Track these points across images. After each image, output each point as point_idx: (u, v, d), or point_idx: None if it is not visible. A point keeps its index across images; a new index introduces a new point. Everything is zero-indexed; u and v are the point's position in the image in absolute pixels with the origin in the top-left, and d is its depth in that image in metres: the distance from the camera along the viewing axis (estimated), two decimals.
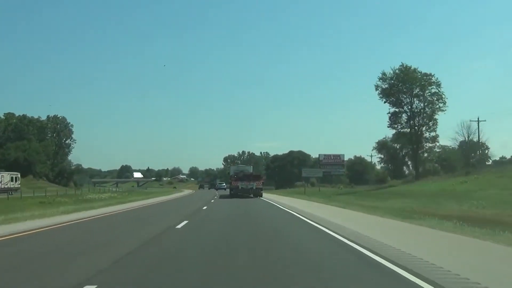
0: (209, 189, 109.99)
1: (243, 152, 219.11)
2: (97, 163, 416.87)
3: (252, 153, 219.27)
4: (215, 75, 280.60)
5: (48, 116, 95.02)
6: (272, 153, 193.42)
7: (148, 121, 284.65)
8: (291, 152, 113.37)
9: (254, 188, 41.48)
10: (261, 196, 41.81)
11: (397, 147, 79.53)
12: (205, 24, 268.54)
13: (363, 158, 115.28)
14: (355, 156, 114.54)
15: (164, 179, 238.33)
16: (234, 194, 41.81)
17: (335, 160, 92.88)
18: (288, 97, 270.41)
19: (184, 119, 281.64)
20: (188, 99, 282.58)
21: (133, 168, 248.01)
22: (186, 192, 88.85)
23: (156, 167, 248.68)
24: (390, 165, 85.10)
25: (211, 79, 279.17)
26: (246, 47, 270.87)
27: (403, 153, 79.64)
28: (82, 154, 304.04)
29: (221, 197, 44.64)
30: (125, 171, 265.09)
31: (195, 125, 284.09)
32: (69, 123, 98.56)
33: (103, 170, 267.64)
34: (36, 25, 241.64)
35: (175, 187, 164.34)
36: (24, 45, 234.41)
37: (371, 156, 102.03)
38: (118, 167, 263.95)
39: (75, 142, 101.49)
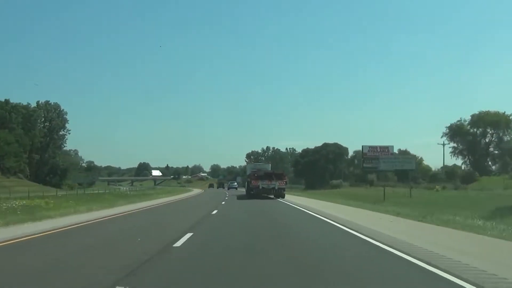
0: (217, 188, 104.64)
1: (267, 148, 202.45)
2: (116, 161, 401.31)
3: (277, 149, 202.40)
4: (237, 71, 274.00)
5: (38, 103, 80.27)
6: (299, 150, 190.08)
7: (168, 118, 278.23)
8: (325, 145, 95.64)
9: (276, 188, 37.36)
10: (283, 197, 37.37)
11: (477, 132, 61.18)
12: (227, 18, 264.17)
13: (408, 152, 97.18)
14: (399, 150, 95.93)
15: (184, 177, 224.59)
16: (254, 194, 37.33)
17: (382, 153, 74.74)
18: (313, 94, 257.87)
19: (206, 116, 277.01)
20: (209, 95, 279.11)
21: (152, 166, 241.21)
22: (194, 192, 76.10)
23: (177, 164, 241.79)
24: (468, 156, 66.65)
25: (233, 76, 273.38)
26: (267, 43, 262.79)
27: (487, 141, 61.22)
28: (100, 152, 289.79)
29: (234, 198, 38.98)
30: (143, 169, 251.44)
31: (217, 122, 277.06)
32: (63, 110, 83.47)
33: (122, 168, 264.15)
34: (39, 29, 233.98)
35: (183, 186, 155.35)
36: (29, 49, 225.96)
37: (443, 144, 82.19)
38: (136, 165, 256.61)
39: (69, 133, 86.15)
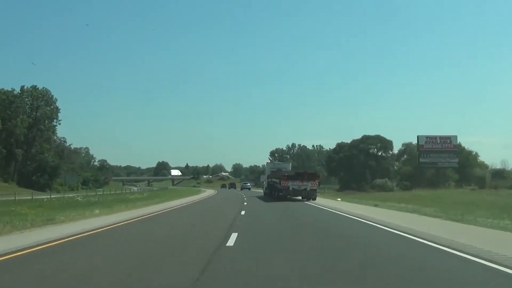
0: (228, 188, 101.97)
1: (293, 145, 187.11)
2: (136, 161, 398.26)
3: (303, 146, 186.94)
4: (259, 69, 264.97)
5: (22, 87, 66.53)
6: (327, 148, 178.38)
7: (189, 117, 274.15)
8: (365, 138, 79.93)
9: (308, 189, 33.11)
10: (314, 199, 33.13)
11: None
12: (241, 12, 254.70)
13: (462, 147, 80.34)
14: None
15: (204, 176, 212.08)
16: (282, 196, 33.61)
17: (443, 145, 58.87)
18: (339, 90, 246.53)
19: (227, 114, 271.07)
20: (230, 93, 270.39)
21: (172, 165, 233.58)
22: (207, 193, 65.17)
23: (197, 164, 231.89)
24: None
25: (255, 74, 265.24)
26: (294, 41, 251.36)
27: None
28: (119, 152, 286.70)
29: (256, 203, 32.91)
30: (161, 169, 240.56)
31: (239, 120, 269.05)
32: (53, 97, 69.75)
33: (142, 167, 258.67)
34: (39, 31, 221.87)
35: (195, 186, 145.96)
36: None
37: None
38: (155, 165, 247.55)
39: (59, 123, 72.38)
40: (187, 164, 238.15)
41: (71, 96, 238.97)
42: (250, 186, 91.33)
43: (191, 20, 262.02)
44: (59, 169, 70.71)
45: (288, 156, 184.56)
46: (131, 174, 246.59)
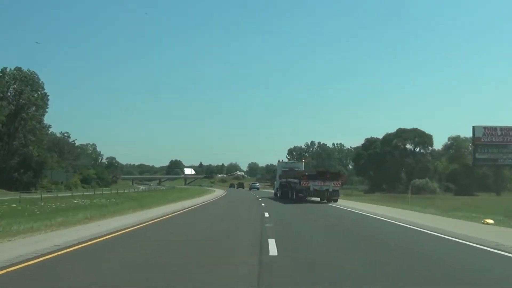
0: (236, 188, 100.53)
1: (312, 143, 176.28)
2: (149, 159, 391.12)
3: (323, 144, 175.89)
4: (274, 66, 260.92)
5: (4, 69, 56.55)
6: (347, 146, 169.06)
7: (203, 114, 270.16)
8: (401, 132, 68.77)
9: (331, 190, 30.03)
10: (336, 201, 30.50)
11: None
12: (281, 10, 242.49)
13: None
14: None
15: (219, 176, 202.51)
16: (302, 198, 30.75)
17: (505, 138, 47.49)
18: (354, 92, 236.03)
19: (243, 112, 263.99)
20: (245, 90, 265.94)
21: (186, 164, 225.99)
22: (216, 194, 58.31)
23: (212, 162, 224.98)
24: None
25: (271, 71, 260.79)
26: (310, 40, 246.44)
27: None
28: (133, 150, 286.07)
29: (269, 203, 30.68)
30: (174, 167, 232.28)
31: (255, 118, 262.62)
32: (40, 80, 59.81)
33: (156, 166, 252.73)
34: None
35: (201, 185, 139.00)
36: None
37: None
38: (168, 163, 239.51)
39: (46, 111, 62.57)
40: (201, 162, 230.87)
41: (83, 95, 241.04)
42: (259, 187, 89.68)
43: (206, 15, 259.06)
44: (46, 164, 61.27)
45: (306, 154, 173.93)
46: (144, 172, 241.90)
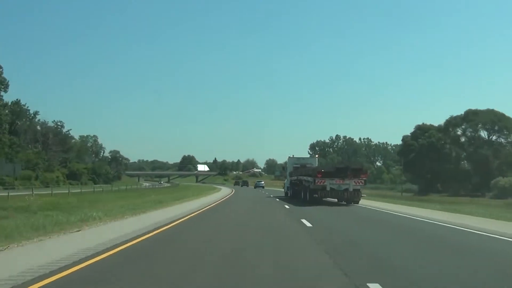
0: (241, 186, 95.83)
1: (337, 137, 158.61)
2: (164, 155, 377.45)
3: (349, 138, 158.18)
4: (294, 61, 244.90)
5: None
6: (375, 141, 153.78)
7: (218, 108, 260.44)
8: (470, 114, 51.00)
9: (351, 189, 25.27)
10: (357, 202, 26.14)
11: None
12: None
13: None
14: None
15: (234, 172, 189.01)
16: (317, 199, 26.08)
17: None
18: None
19: (260, 106, 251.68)
20: (261, 84, 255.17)
21: (199, 160, 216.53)
22: (220, 194, 45.76)
23: (227, 159, 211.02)
24: None
25: (290, 66, 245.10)
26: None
27: None
28: (147, 146, 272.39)
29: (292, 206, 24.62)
30: (187, 163, 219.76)
31: (273, 113, 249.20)
32: None
33: (170, 162, 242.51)
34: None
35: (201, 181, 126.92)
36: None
37: None
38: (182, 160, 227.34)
39: (5, 91, 46.96)
40: (215, 158, 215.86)
41: (95, 92, 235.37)
42: (263, 185, 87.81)
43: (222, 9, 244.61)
44: None
45: (331, 150, 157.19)
46: (156, 169, 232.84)
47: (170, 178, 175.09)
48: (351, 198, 25.69)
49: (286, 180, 38.68)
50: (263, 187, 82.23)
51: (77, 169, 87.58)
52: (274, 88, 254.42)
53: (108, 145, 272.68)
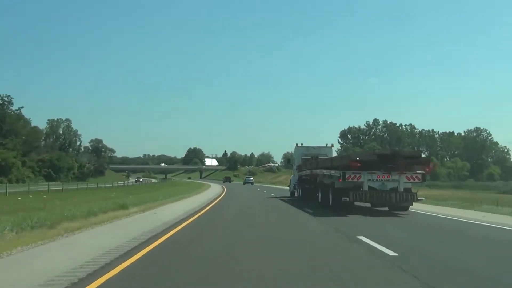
0: (223, 182, 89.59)
1: (375, 122, 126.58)
2: (172, 150, 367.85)
3: (390, 122, 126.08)
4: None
5: None
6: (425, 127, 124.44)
7: (231, 98, 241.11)
8: None
9: (401, 188, 16.11)
10: (406, 209, 16.95)
11: None
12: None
13: None
14: None
15: (246, 167, 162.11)
16: (344, 204, 16.76)
17: None
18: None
19: (276, 94, 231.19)
20: (279, 68, 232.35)
21: (207, 153, 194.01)
22: (205, 196, 31.39)
23: (241, 152, 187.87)
24: None
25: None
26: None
27: None
28: (153, 141, 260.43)
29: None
30: (193, 157, 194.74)
31: (292, 99, 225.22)
32: None
33: (178, 157, 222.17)
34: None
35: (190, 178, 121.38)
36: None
37: None
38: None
39: None
40: (225, 151, 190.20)
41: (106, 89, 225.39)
42: (252, 181, 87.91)
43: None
44: None
45: (366, 137, 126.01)
46: (162, 163, 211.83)
47: (169, 173, 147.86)
48: (401, 202, 16.05)
49: (292, 176, 30.20)
50: (252, 183, 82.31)
51: (2, 159, 57.80)
52: (292, 64, 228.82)
53: (112, 143, 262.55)
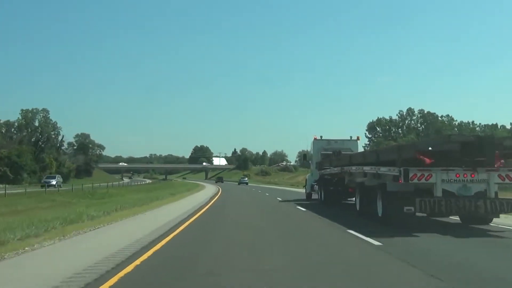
0: (216, 182, 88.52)
1: (410, 111, 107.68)
2: (179, 149, 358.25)
3: (428, 112, 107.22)
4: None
5: None
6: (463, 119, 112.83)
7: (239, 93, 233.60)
8: None
9: (492, 192, 11.63)
10: (490, 221, 12.80)
11: None
12: None
13: None
14: None
15: (258, 166, 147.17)
16: (400, 215, 12.05)
17: None
18: None
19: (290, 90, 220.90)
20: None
21: (215, 152, 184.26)
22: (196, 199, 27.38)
23: (253, 150, 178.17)
24: None
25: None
26: None
27: None
28: (161, 141, 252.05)
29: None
30: (200, 155, 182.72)
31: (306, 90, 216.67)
32: None
33: (186, 157, 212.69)
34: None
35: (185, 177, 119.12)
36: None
37: None
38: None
39: None
40: (234, 149, 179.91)
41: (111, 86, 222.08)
42: (247, 181, 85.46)
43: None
44: None
45: (399, 131, 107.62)
46: (168, 164, 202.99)
47: (175, 174, 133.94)
48: (492, 213, 11.76)
49: (308, 175, 26.98)
50: (247, 183, 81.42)
51: None
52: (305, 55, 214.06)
53: (113, 143, 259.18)
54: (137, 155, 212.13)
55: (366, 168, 14.76)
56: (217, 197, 30.71)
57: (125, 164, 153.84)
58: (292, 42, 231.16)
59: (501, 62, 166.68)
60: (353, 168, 16.32)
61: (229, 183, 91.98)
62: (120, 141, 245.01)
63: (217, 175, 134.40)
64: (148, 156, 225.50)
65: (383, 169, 12.93)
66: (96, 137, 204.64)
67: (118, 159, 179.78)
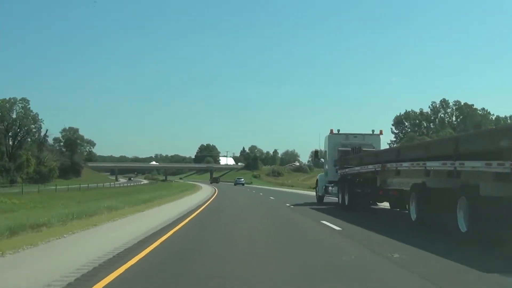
0: (211, 183, 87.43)
1: (444, 102, 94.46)
2: (186, 150, 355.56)
3: (465, 104, 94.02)
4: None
5: None
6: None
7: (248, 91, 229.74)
8: None
9: None
10: None
11: None
12: None
13: None
14: None
15: (269, 166, 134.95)
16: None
17: None
18: None
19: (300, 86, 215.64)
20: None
21: (222, 151, 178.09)
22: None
23: (264, 148, 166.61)
24: None
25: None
26: None
27: None
28: (167, 140, 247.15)
29: None
30: (207, 154, 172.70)
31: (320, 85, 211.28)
32: None
33: (192, 156, 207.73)
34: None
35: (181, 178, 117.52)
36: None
37: None
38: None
39: None
40: (243, 148, 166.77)
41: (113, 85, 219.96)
42: (243, 182, 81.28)
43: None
44: None
45: (431, 125, 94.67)
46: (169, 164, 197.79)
47: (181, 174, 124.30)
48: None
49: (320, 175, 24.85)
50: (243, 184, 78.22)
51: None
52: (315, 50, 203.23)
53: (120, 144, 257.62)
54: (143, 155, 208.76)
55: (432, 164, 11.16)
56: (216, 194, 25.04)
57: (125, 163, 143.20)
58: (294, 40, 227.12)
59: (501, 62, 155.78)
60: (405, 165, 12.87)
61: (228, 183, 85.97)
62: (124, 141, 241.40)
63: (224, 175, 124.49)
64: (153, 156, 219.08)
65: (471, 164, 9.26)
66: (96, 137, 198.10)
67: (121, 159, 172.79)
